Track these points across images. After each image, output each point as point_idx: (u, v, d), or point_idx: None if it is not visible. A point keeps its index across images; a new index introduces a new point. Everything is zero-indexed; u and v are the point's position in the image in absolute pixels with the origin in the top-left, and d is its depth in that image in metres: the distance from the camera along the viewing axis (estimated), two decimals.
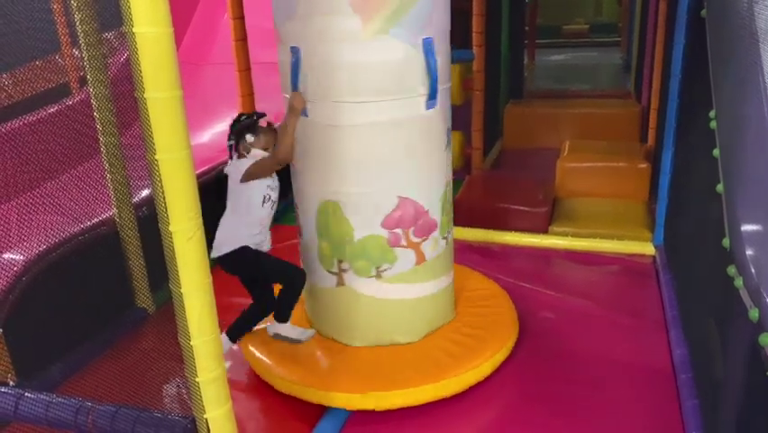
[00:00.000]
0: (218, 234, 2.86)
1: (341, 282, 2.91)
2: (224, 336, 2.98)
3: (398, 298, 2.93)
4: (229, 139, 2.86)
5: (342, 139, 2.70)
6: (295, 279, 2.96)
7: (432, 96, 2.73)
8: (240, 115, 2.91)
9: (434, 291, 3.03)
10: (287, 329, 3.02)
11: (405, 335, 2.99)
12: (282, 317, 3.02)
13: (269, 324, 3.07)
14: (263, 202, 2.81)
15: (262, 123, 2.88)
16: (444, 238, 3.03)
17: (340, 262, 2.88)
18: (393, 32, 2.58)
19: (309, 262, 3.03)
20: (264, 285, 3.05)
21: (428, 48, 2.66)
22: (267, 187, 2.82)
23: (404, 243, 2.86)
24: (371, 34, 2.56)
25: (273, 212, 2.90)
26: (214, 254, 2.83)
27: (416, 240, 2.89)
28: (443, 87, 2.80)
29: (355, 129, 2.68)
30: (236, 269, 2.95)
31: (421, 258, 2.92)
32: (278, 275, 3.00)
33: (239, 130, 2.83)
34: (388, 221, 2.81)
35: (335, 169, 2.76)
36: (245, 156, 2.82)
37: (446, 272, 3.11)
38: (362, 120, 2.66)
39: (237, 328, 3.05)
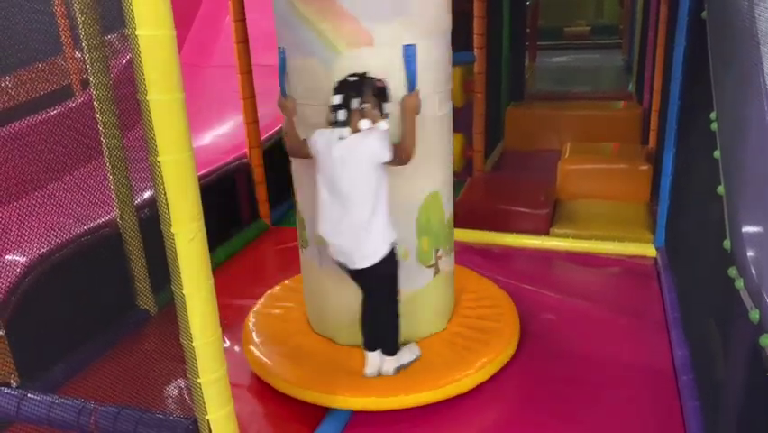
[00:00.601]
0: (368, 239, 2.48)
1: (437, 271, 3.03)
2: (387, 358, 2.73)
3: (451, 270, 3.23)
4: (345, 105, 2.44)
5: (440, 128, 2.90)
6: (399, 299, 2.72)
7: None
8: (360, 75, 2.49)
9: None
10: (404, 355, 2.79)
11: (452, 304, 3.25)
12: (397, 347, 2.77)
13: (380, 364, 2.75)
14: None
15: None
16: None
17: (437, 251, 2.99)
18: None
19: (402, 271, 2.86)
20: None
21: (410, 54, 2.65)
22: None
23: None
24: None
25: None
26: (370, 263, 2.51)
27: None
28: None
29: (445, 117, 2.94)
30: (391, 272, 2.63)
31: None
32: (396, 288, 2.69)
33: (373, 91, 2.46)
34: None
35: (436, 158, 2.92)
36: (363, 128, 2.45)
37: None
38: (447, 108, 2.95)
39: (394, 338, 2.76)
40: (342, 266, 2.62)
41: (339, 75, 2.55)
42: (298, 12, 2.66)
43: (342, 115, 2.46)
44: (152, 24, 1.57)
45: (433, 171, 2.92)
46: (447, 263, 3.14)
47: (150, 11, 1.56)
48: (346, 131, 2.47)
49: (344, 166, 2.47)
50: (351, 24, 2.59)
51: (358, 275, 2.62)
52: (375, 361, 2.75)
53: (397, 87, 2.62)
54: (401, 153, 2.53)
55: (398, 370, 2.76)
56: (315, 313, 3.15)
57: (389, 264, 2.59)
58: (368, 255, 2.52)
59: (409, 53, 2.63)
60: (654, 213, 4.33)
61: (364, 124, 2.45)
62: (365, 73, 2.50)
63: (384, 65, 2.61)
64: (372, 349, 2.77)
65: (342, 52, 2.61)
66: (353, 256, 2.54)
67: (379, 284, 2.66)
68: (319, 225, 2.61)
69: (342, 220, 2.51)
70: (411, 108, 2.59)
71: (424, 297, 3.00)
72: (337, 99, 2.46)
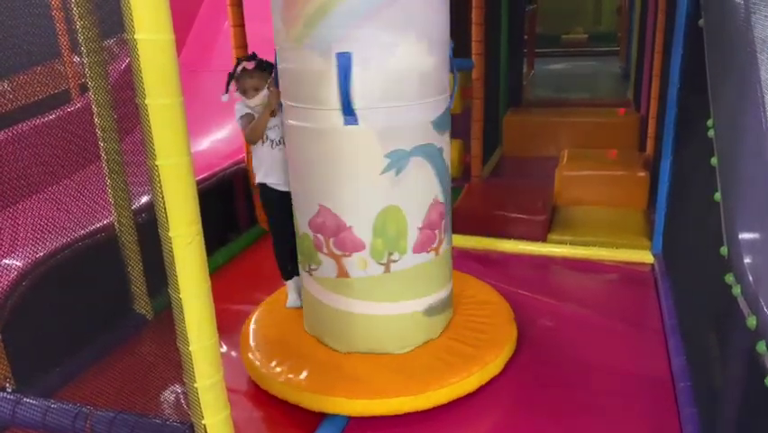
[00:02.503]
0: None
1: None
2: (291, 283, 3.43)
3: (326, 302, 3.01)
4: (247, 76, 3.06)
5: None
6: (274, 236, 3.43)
7: (346, 111, 2.61)
8: (250, 57, 3.12)
9: (368, 312, 2.93)
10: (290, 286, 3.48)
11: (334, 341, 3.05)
12: (284, 277, 3.48)
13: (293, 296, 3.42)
14: (262, 143, 3.14)
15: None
16: (382, 265, 2.84)
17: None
18: (307, 42, 2.59)
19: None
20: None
21: (344, 62, 2.55)
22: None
23: (325, 250, 2.88)
24: (293, 42, 2.66)
25: (278, 152, 3.14)
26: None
27: (336, 252, 2.85)
28: (381, 107, 2.64)
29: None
30: (263, 201, 3.36)
31: (342, 272, 2.87)
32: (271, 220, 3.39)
33: (269, 68, 3.09)
34: (312, 224, 2.89)
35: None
36: (251, 95, 3.07)
37: (393, 300, 2.93)
38: (296, 123, 2.82)
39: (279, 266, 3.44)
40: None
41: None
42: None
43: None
44: (152, 29, 1.57)
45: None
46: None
47: (150, 15, 1.56)
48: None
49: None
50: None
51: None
52: (294, 287, 3.47)
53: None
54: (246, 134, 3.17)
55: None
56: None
57: (263, 195, 3.32)
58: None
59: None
60: (652, 220, 4.34)
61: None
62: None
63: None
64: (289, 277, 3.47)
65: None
66: None
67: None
68: None
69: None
70: (267, 101, 3.06)
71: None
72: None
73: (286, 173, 3.07)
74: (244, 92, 3.07)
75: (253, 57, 3.11)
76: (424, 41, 2.64)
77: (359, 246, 2.81)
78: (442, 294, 3.08)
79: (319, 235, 2.86)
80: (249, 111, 3.09)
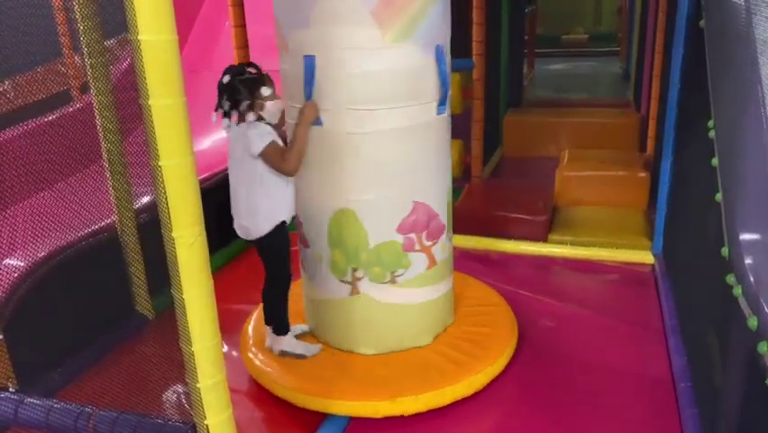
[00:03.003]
0: (253, 211, 2.72)
1: (355, 291, 2.91)
2: (283, 338, 2.95)
3: (411, 302, 2.97)
4: (230, 97, 2.64)
5: (359, 146, 2.72)
6: (285, 283, 2.92)
7: (443, 101, 2.83)
8: (233, 69, 2.69)
9: (443, 293, 3.10)
10: (292, 344, 2.95)
11: (415, 339, 3.01)
12: (283, 330, 2.96)
13: (271, 342, 2.98)
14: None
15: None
16: (450, 240, 3.12)
17: (354, 270, 2.88)
18: (411, 39, 2.64)
19: (317, 273, 2.99)
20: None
21: (440, 54, 2.75)
22: None
23: (417, 247, 2.90)
24: (390, 42, 2.61)
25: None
26: (256, 235, 2.76)
27: (427, 244, 2.94)
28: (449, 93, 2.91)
29: (372, 136, 2.71)
30: (279, 247, 2.83)
31: (432, 262, 2.97)
32: (284, 266, 2.90)
33: (251, 84, 2.63)
34: (403, 226, 2.84)
35: (351, 176, 2.76)
36: (250, 117, 2.64)
37: (450, 274, 3.19)
38: (379, 126, 2.70)
39: (279, 319, 2.96)
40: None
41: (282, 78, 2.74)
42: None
43: (233, 114, 2.68)
44: (155, 29, 1.57)
45: (347, 188, 2.78)
46: (381, 291, 2.90)
47: (153, 16, 1.56)
48: (232, 121, 2.70)
49: (232, 155, 2.74)
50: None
51: (257, 247, 2.87)
52: (268, 336, 3.02)
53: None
54: (283, 163, 2.65)
55: (282, 354, 2.94)
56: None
57: (274, 239, 2.79)
58: (257, 229, 2.77)
59: (308, 64, 2.63)
60: (652, 220, 4.35)
61: (225, 123, 2.71)
62: (234, 74, 2.67)
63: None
64: (267, 324, 3.01)
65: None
66: (248, 230, 2.80)
67: (267, 258, 2.89)
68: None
69: (238, 199, 2.78)
70: (303, 118, 2.68)
71: (338, 309, 2.97)
72: (226, 106, 2.68)
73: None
74: (263, 108, 2.67)
75: (250, 64, 2.76)
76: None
77: (442, 230, 3.00)
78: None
79: (411, 235, 2.88)
80: (271, 132, 2.67)
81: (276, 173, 2.68)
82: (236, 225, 2.83)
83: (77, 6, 2.96)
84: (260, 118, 2.68)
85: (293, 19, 2.70)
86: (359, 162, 2.74)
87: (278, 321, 2.96)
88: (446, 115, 2.92)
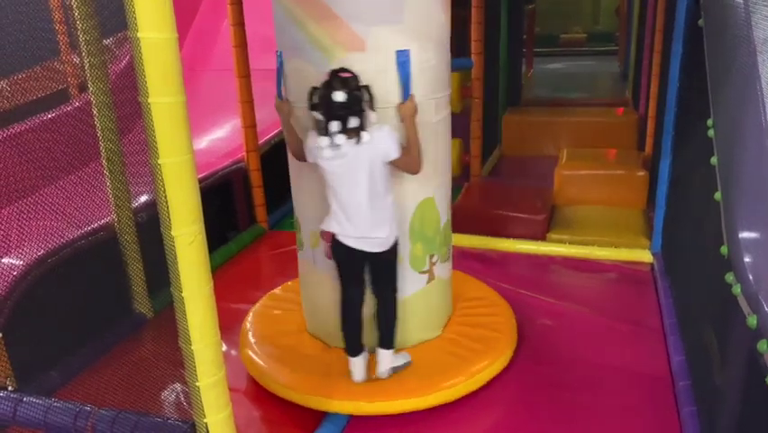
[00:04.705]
0: (381, 222, 2.57)
1: (431, 277, 3.01)
2: (390, 354, 2.77)
3: (450, 274, 3.23)
4: (347, 113, 2.38)
5: (436, 133, 2.86)
6: (396, 293, 2.81)
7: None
8: (337, 78, 2.42)
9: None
10: (397, 358, 2.81)
11: (449, 310, 3.25)
12: (392, 343, 2.79)
13: (381, 362, 2.76)
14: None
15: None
16: None
17: (431, 257, 2.98)
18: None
19: None
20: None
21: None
22: None
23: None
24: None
25: None
26: (388, 245, 2.62)
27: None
28: None
29: (442, 122, 2.91)
30: (397, 256, 2.74)
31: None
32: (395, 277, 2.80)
33: (364, 89, 2.44)
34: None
35: (430, 164, 2.82)
36: (365, 130, 2.45)
37: None
38: (445, 113, 2.93)
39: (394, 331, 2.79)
40: (357, 255, 2.63)
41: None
42: (293, 15, 2.67)
43: (339, 137, 2.44)
44: (154, 27, 1.57)
45: (427, 176, 2.83)
46: (443, 270, 3.10)
47: (153, 14, 1.56)
48: (342, 138, 2.44)
49: (349, 173, 2.50)
50: (344, 29, 2.58)
51: (369, 261, 2.68)
52: (361, 364, 2.75)
53: (390, 92, 2.62)
54: (410, 164, 2.59)
55: (393, 370, 2.78)
56: (312, 316, 3.15)
57: (396, 249, 2.71)
58: (388, 239, 2.62)
59: (402, 58, 2.60)
60: (651, 219, 4.35)
61: (365, 137, 2.45)
62: (350, 86, 2.42)
63: (377, 70, 2.59)
64: (357, 354, 2.75)
65: (336, 56, 2.60)
66: (378, 242, 2.60)
67: (389, 269, 2.74)
68: (336, 227, 2.61)
69: (366, 214, 2.55)
70: (409, 115, 2.59)
71: (416, 303, 2.99)
72: (335, 126, 2.41)
73: None
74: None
75: (342, 69, 2.49)
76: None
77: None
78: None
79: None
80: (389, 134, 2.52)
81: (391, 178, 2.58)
82: (357, 242, 2.59)
83: (75, 5, 2.95)
84: None
85: (372, 15, 2.58)
86: (434, 149, 2.85)
87: (393, 334, 2.79)
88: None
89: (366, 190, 2.52)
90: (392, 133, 2.51)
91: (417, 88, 2.66)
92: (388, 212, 2.61)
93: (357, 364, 2.75)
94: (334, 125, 2.40)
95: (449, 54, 2.92)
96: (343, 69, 2.46)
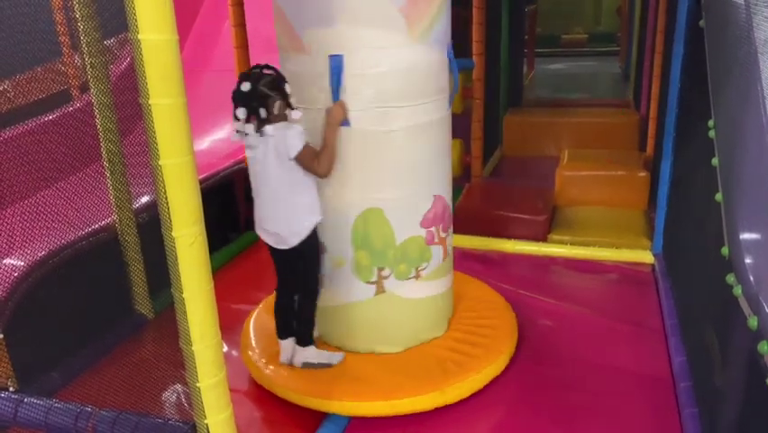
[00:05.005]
0: (289, 218, 2.65)
1: (380, 290, 2.92)
2: (309, 348, 2.87)
3: (431, 294, 3.05)
4: (248, 102, 2.51)
5: (386, 144, 2.75)
6: (318, 287, 2.88)
7: (451, 96, 2.94)
8: (252, 72, 2.57)
9: (451, 283, 3.23)
10: (315, 354, 2.89)
11: (431, 331, 3.09)
12: (309, 340, 2.88)
13: (291, 355, 2.89)
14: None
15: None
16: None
17: (380, 270, 2.89)
18: (431, 38, 2.71)
19: (335, 278, 2.95)
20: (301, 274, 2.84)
21: (450, 52, 2.89)
22: None
23: (436, 240, 2.97)
24: (415, 40, 2.65)
25: None
26: (294, 242, 2.67)
27: (443, 235, 3.02)
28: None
29: (398, 133, 2.74)
30: (316, 252, 2.80)
31: (445, 252, 3.06)
32: (318, 271, 2.87)
33: (272, 86, 2.53)
34: (426, 220, 2.91)
35: (377, 174, 2.77)
36: (273, 120, 2.54)
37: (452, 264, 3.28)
38: (404, 123, 2.73)
39: (308, 329, 2.88)
40: (272, 249, 2.78)
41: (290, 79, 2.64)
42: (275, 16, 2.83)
43: (247, 126, 2.56)
44: (156, 29, 1.57)
45: (370, 187, 2.78)
46: (409, 288, 2.95)
47: (153, 15, 1.57)
48: (249, 128, 2.56)
49: (260, 163, 2.63)
50: (289, 30, 2.71)
51: (280, 256, 2.79)
52: (284, 350, 2.92)
53: (322, 96, 2.68)
54: (316, 168, 2.62)
55: (306, 366, 2.86)
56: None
57: (311, 244, 2.74)
58: (295, 235, 2.68)
59: (335, 63, 2.61)
60: (652, 220, 4.35)
61: (268, 130, 2.54)
62: (257, 79, 2.54)
63: (315, 73, 2.67)
64: (284, 337, 2.92)
65: (291, 57, 2.75)
66: (285, 238, 2.69)
67: (302, 264, 2.80)
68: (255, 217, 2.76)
69: (271, 207, 2.69)
70: (332, 120, 2.64)
71: (363, 312, 2.96)
72: (241, 113, 2.54)
73: None
74: (289, 105, 2.60)
75: (266, 66, 2.62)
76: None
77: (450, 221, 3.08)
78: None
79: (432, 229, 2.95)
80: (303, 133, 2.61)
81: (308, 176, 2.63)
82: (265, 235, 2.74)
83: (77, 6, 2.96)
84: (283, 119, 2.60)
85: (312, 18, 2.63)
86: (385, 160, 2.77)
87: (308, 331, 2.89)
88: (449, 111, 3.01)
89: (271, 186, 2.64)
90: (299, 134, 2.56)
91: (358, 95, 2.65)
92: (292, 212, 2.66)
93: (283, 346, 2.92)
94: (240, 112, 2.54)
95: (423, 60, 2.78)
96: (267, 66, 2.61)
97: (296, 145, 2.54)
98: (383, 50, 2.62)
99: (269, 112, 2.53)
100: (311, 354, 2.88)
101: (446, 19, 2.81)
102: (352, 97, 2.66)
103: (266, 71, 2.59)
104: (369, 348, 2.99)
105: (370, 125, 2.70)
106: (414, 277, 2.94)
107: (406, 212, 2.86)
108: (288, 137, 2.55)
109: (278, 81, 2.57)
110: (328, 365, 2.88)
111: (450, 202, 3.09)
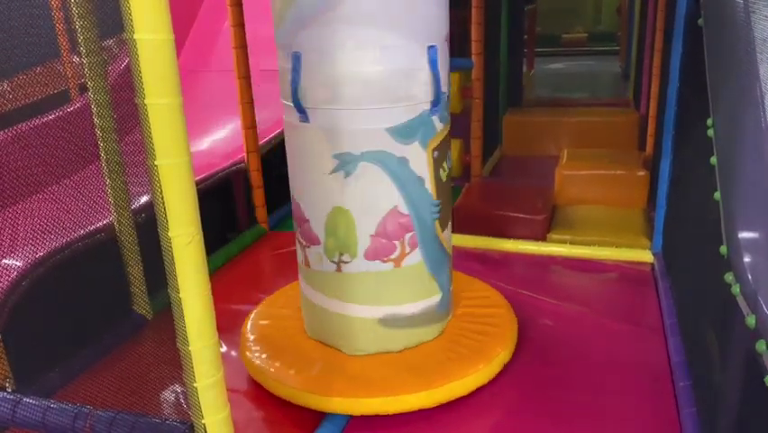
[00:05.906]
0: None
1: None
2: None
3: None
4: None
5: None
6: None
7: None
8: None
9: (321, 304, 3.10)
10: None
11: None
12: None
13: None
14: None
15: None
16: (334, 263, 2.94)
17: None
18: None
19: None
20: None
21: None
22: None
23: (299, 238, 3.07)
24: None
25: None
26: None
27: (303, 242, 3.06)
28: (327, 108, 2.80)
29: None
30: None
31: (306, 261, 3.09)
32: None
33: None
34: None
35: None
36: None
37: (343, 300, 3.02)
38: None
39: None
40: None
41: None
42: None
43: None
44: (151, 28, 1.56)
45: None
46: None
47: (149, 15, 1.56)
48: None
49: None
50: None
51: None
52: None
53: None
54: None
55: None
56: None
57: None
58: None
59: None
60: (652, 219, 4.34)
61: None
62: None
63: None
64: None
65: None
66: None
67: None
68: None
69: None
70: None
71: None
72: None
73: None
74: None
75: None
76: (373, 48, 2.62)
77: (315, 241, 2.93)
78: (405, 309, 2.95)
79: (296, 224, 3.02)
80: None
81: None
82: None
83: (73, 4, 2.96)
84: None
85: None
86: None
87: None
88: (308, 125, 2.77)
89: None
90: None
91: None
92: None
93: None
94: None
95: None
96: None
97: None
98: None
99: None
100: None
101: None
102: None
103: None
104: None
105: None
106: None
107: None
108: None
109: None
110: None
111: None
